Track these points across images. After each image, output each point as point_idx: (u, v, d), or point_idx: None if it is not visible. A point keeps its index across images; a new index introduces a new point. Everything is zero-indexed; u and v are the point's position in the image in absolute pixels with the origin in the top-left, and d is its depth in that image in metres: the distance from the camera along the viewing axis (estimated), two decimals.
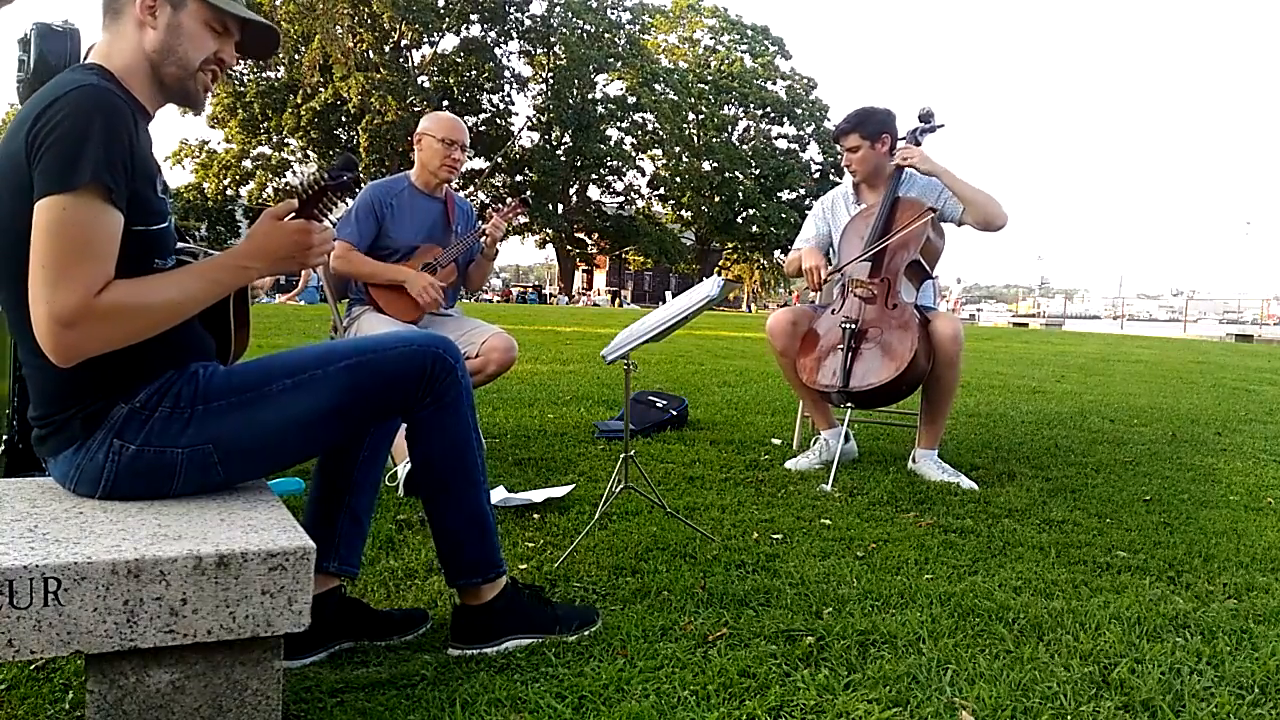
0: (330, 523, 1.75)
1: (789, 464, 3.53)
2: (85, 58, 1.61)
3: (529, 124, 42.82)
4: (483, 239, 3.40)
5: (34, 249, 1.30)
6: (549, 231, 44.14)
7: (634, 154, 45.27)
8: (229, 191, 39.15)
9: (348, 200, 1.52)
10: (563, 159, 41.89)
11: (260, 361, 1.58)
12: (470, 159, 40.89)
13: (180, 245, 1.63)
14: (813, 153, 47.93)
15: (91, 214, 1.32)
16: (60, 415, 1.45)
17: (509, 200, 3.59)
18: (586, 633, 1.81)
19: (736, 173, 44.43)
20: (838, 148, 3.64)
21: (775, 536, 2.55)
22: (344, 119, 37.21)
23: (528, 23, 41.19)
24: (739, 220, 45.28)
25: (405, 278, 3.23)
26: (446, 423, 1.67)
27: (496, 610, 1.74)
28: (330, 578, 1.74)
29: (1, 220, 1.37)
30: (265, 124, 37.59)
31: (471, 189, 40.35)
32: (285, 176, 39.24)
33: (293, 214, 1.49)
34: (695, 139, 45.83)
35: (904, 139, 3.59)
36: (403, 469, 2.84)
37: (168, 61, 1.50)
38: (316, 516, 1.75)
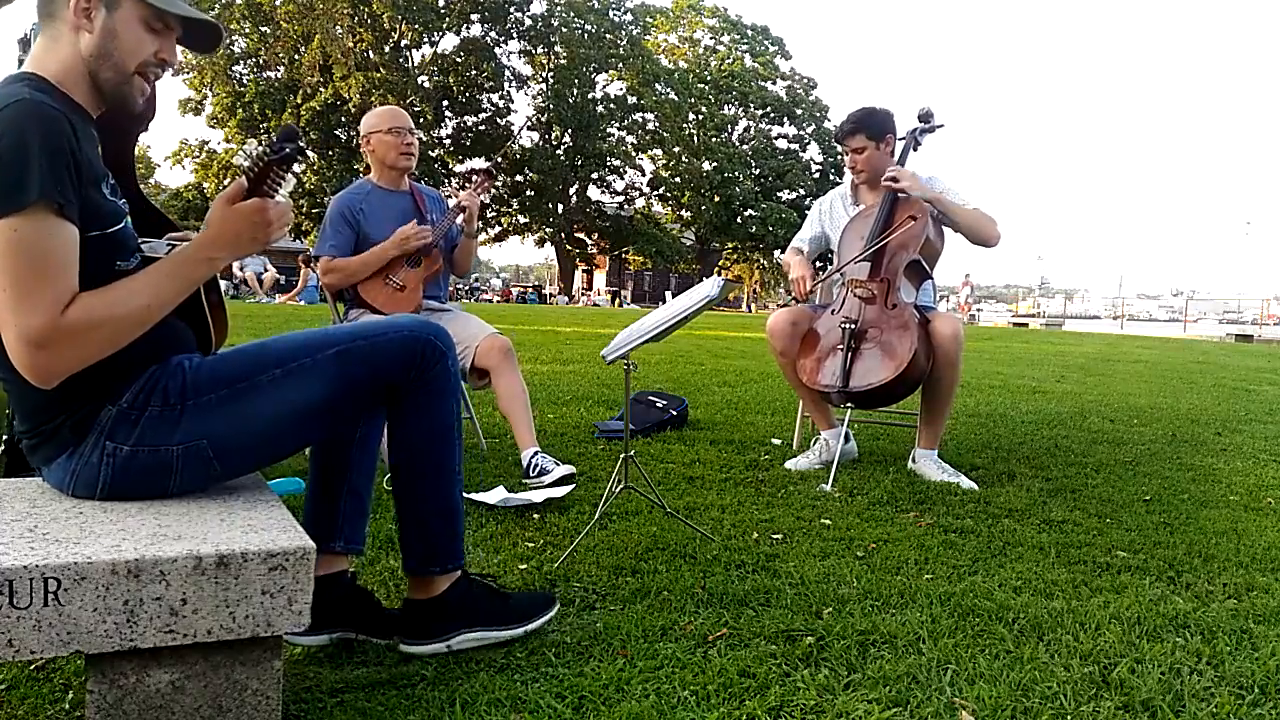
0: (332, 501, 1.76)
1: (789, 464, 3.53)
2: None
3: (529, 124, 42.81)
4: (459, 219, 3.41)
5: None
6: (549, 231, 44.12)
7: (634, 154, 45.25)
8: None
9: (293, 174, 1.48)
10: (563, 159, 41.86)
11: (249, 350, 1.57)
12: (470, 159, 41.03)
13: (173, 235, 1.62)
14: (813, 153, 47.88)
15: (45, 231, 1.30)
16: (47, 425, 1.44)
17: (475, 176, 3.60)
18: (543, 619, 1.78)
19: (736, 173, 44.38)
20: (840, 149, 3.64)
21: (775, 536, 2.55)
22: (344, 119, 37.18)
23: (528, 22, 41.15)
24: (739, 220, 45.23)
25: (391, 246, 3.24)
26: (431, 408, 1.65)
27: (447, 602, 1.70)
28: (338, 557, 1.75)
29: None
30: (265, 124, 37.57)
31: (471, 189, 40.31)
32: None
33: (244, 195, 1.44)
34: (695, 139, 45.79)
35: (903, 139, 3.60)
36: None
37: (104, 66, 1.46)
38: (318, 497, 1.76)
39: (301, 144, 1.45)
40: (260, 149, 1.44)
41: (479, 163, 41.05)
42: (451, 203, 3.50)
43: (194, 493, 1.53)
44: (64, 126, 1.34)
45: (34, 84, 1.40)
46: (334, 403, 1.57)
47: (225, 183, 40.33)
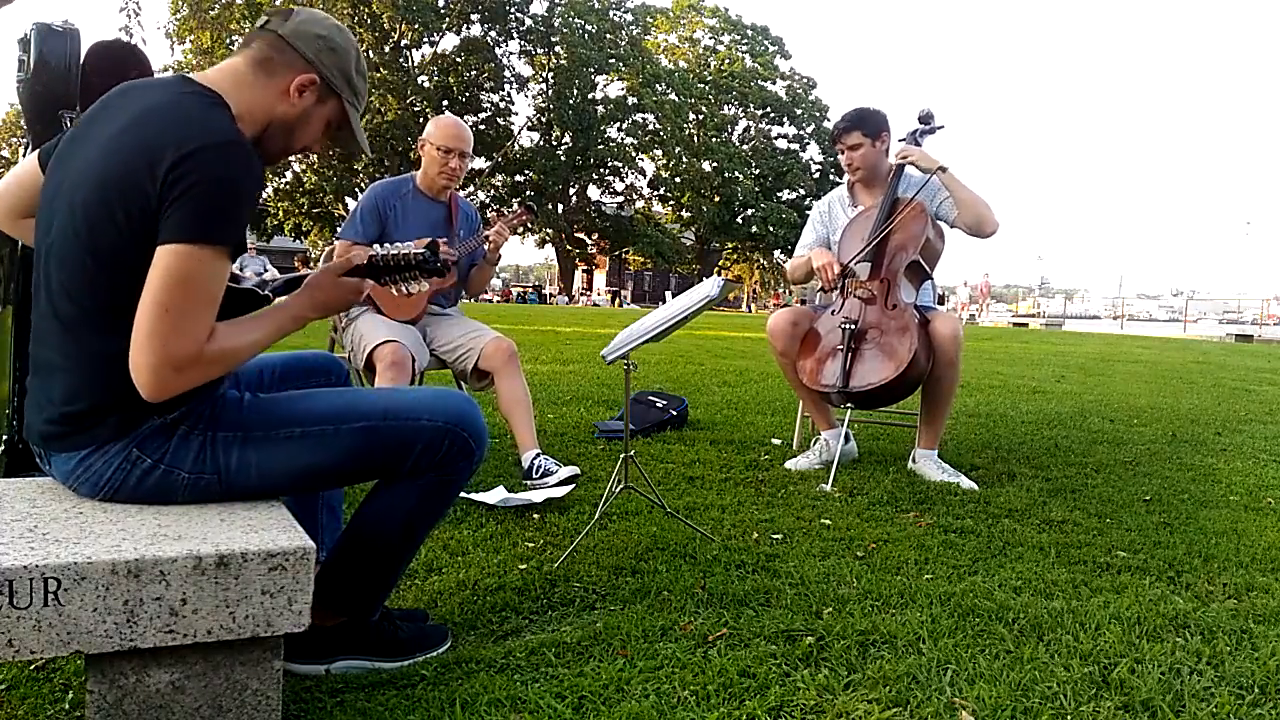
0: (311, 516, 1.79)
1: (789, 464, 3.53)
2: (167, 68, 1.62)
3: (529, 124, 42.82)
4: (486, 244, 3.39)
5: (156, 291, 1.32)
6: (549, 231, 44.15)
7: (634, 154, 45.25)
8: None
9: (425, 283, 1.65)
10: (563, 159, 41.88)
11: (278, 400, 1.57)
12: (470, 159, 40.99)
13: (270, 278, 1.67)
14: (813, 153, 47.93)
15: (221, 270, 1.37)
16: (92, 415, 1.43)
17: (515, 207, 3.60)
18: (426, 655, 1.71)
19: (736, 173, 44.39)
20: (837, 148, 3.64)
21: (775, 536, 2.55)
22: None
23: (528, 23, 41.18)
24: (739, 220, 45.28)
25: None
26: (437, 494, 1.63)
27: (339, 633, 1.66)
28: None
29: (94, 223, 1.36)
30: None
31: (471, 189, 40.32)
32: (285, 176, 39.28)
33: (353, 270, 1.59)
34: (695, 139, 45.82)
35: (903, 140, 3.60)
36: None
37: (282, 135, 1.56)
38: (296, 512, 1.76)
39: (443, 263, 1.64)
40: (416, 249, 1.60)
41: (480, 163, 41.05)
42: (485, 230, 3.46)
43: None
44: (260, 176, 1.43)
45: (230, 115, 1.45)
46: (343, 471, 1.57)
47: None
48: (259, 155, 1.54)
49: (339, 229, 3.36)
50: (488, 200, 41.19)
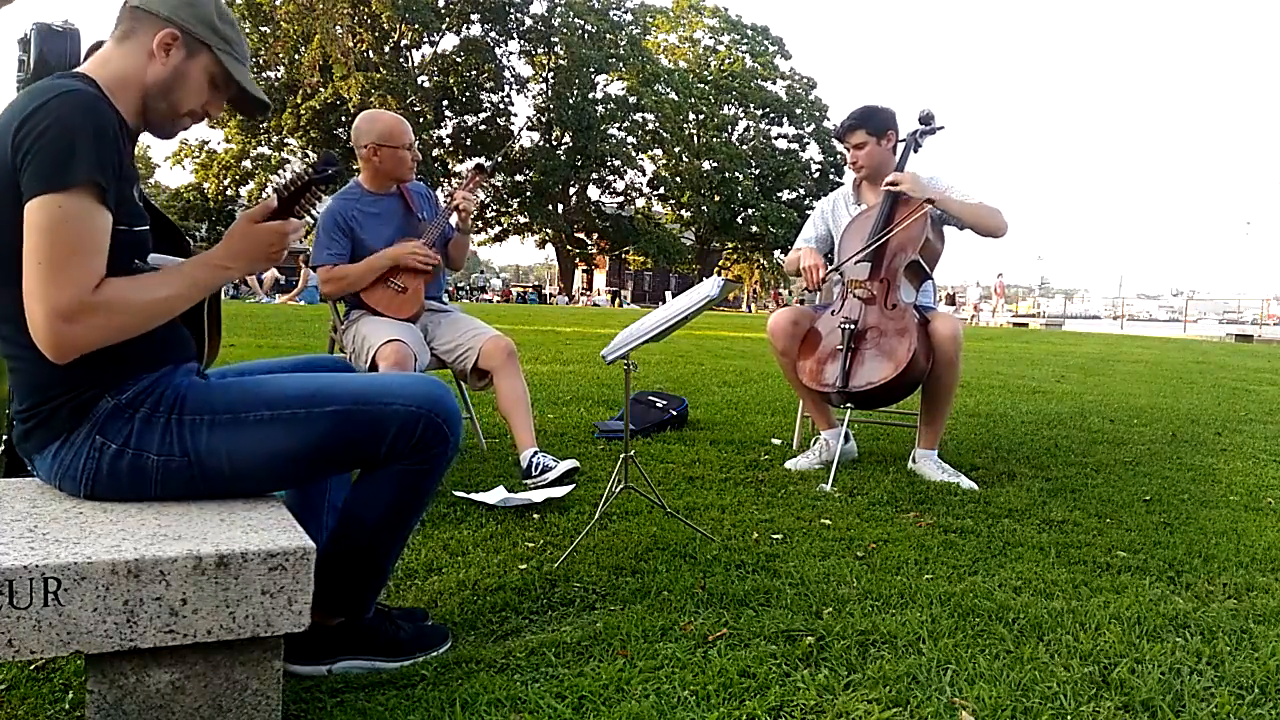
0: (315, 517, 1.78)
1: (789, 464, 3.53)
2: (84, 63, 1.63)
3: (529, 124, 42.80)
4: (454, 217, 3.41)
5: (29, 248, 1.33)
6: (549, 231, 44.13)
7: (634, 154, 45.23)
8: (229, 192, 39.14)
9: (324, 198, 1.56)
10: (563, 159, 41.86)
11: (248, 383, 1.56)
12: (469, 158, 41.00)
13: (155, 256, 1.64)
14: (813, 153, 47.90)
15: (85, 212, 1.35)
16: (47, 405, 1.45)
17: (466, 171, 3.60)
18: (427, 654, 1.71)
19: (736, 173, 44.36)
20: (842, 146, 3.63)
21: (775, 536, 2.55)
22: (344, 119, 37.17)
23: (528, 23, 41.17)
24: (739, 220, 45.24)
25: (393, 258, 3.24)
26: (415, 485, 1.62)
27: (339, 632, 1.66)
28: None
29: None
30: (265, 124, 37.55)
31: (463, 187, 40.34)
32: (285, 176, 39.25)
33: (271, 214, 1.54)
34: (695, 139, 45.80)
35: (904, 141, 3.60)
36: None
37: (160, 98, 1.53)
38: (301, 513, 1.76)
39: (341, 168, 1.54)
40: (302, 170, 1.54)
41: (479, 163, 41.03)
42: (443, 200, 3.49)
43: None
44: (114, 121, 1.41)
45: (84, 82, 1.45)
46: (317, 458, 1.54)
47: (225, 183, 40.29)
48: (150, 129, 1.56)
49: (312, 257, 3.32)
50: (488, 200, 41.15)
